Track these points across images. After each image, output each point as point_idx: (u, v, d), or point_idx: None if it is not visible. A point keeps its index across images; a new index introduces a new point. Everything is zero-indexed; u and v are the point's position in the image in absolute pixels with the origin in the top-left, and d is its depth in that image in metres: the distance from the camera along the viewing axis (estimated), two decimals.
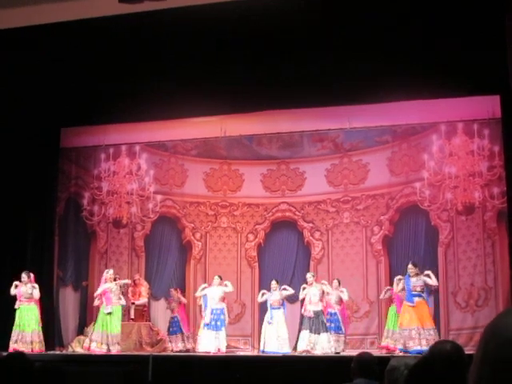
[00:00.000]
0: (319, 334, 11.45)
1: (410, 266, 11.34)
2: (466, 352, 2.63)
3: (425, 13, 9.27)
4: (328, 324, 11.76)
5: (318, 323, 11.53)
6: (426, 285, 11.14)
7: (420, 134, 13.35)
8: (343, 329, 12.01)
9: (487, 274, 12.38)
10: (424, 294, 11.14)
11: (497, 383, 1.05)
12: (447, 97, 10.71)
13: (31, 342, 11.08)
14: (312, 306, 11.63)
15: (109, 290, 11.81)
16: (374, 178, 14.12)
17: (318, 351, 11.31)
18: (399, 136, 13.67)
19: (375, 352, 11.83)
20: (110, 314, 11.64)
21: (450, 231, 13.02)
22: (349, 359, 4.90)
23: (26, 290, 11.27)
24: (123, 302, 12.15)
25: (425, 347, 10.56)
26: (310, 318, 11.56)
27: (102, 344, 11.46)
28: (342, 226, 14.38)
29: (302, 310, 11.84)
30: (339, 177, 14.46)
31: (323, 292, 11.86)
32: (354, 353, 6.92)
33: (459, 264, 12.85)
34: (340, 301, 12.11)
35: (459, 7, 9.12)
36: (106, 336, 11.52)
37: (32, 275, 11.37)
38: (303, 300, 11.87)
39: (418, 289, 11.10)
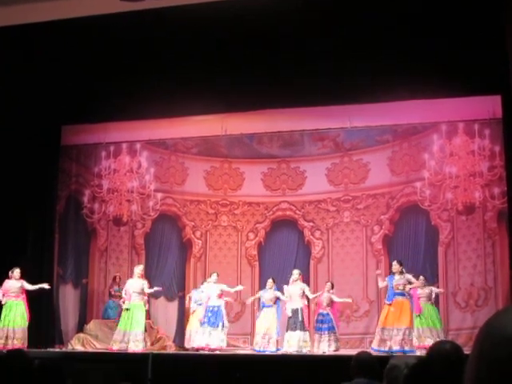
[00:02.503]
0: (294, 331, 11.48)
1: (394, 262, 11.28)
2: (466, 352, 2.63)
3: (425, 12, 9.26)
4: (321, 325, 11.79)
5: (296, 321, 11.55)
6: (409, 283, 11.11)
7: (421, 133, 13.34)
8: (336, 328, 12.02)
9: (487, 274, 12.38)
10: (407, 294, 11.06)
11: (494, 383, 1.05)
12: (448, 97, 10.71)
13: (17, 339, 10.98)
14: (291, 304, 11.65)
15: (129, 287, 11.73)
16: (375, 177, 14.12)
17: (286, 348, 11.34)
18: (400, 135, 13.67)
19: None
20: (127, 310, 11.54)
21: (450, 231, 13.02)
22: (348, 358, 4.90)
23: (13, 284, 11.20)
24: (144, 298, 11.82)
25: (396, 348, 10.50)
26: (288, 317, 11.59)
27: (121, 342, 11.36)
28: (343, 225, 14.38)
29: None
30: (340, 176, 14.46)
31: (303, 292, 11.86)
32: (353, 352, 6.92)
33: (459, 264, 12.85)
34: (331, 303, 12.11)
35: (460, 7, 9.11)
36: (126, 334, 11.43)
37: (18, 270, 11.27)
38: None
39: (401, 287, 11.02)
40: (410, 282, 11.04)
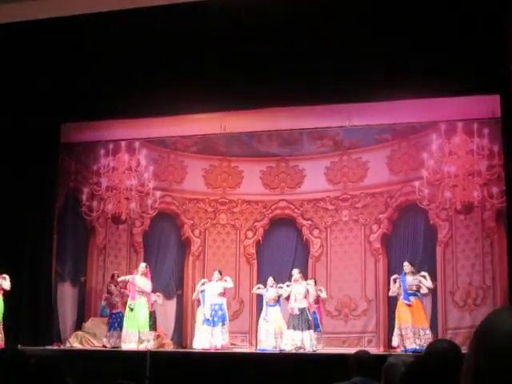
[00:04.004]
0: (303, 330, 11.49)
1: (406, 263, 11.37)
2: (464, 351, 2.63)
3: (425, 12, 9.26)
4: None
5: (302, 320, 11.56)
6: (421, 286, 11.19)
7: (420, 132, 13.35)
8: (320, 327, 12.09)
9: (485, 273, 12.39)
10: (419, 294, 11.20)
11: (495, 380, 1.07)
12: (447, 96, 10.72)
13: None
14: (297, 304, 11.64)
15: (134, 284, 11.71)
16: (374, 176, 14.12)
17: (291, 347, 11.36)
18: (399, 134, 13.67)
19: (373, 350, 11.86)
20: (132, 309, 11.55)
21: (448, 230, 13.03)
22: (347, 357, 4.91)
23: None
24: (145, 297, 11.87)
25: (419, 347, 10.59)
26: (295, 315, 11.56)
27: (130, 342, 11.36)
28: (341, 223, 14.38)
29: (288, 308, 11.83)
30: (338, 175, 14.47)
31: (307, 291, 11.88)
32: (351, 351, 6.93)
33: (457, 263, 12.86)
34: (317, 299, 12.19)
35: (459, 6, 9.11)
36: (134, 334, 11.42)
37: None
38: (288, 297, 11.88)
39: (414, 288, 11.13)
40: (422, 284, 11.15)
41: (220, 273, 12.34)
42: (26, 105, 11.24)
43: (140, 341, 11.37)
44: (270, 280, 12.20)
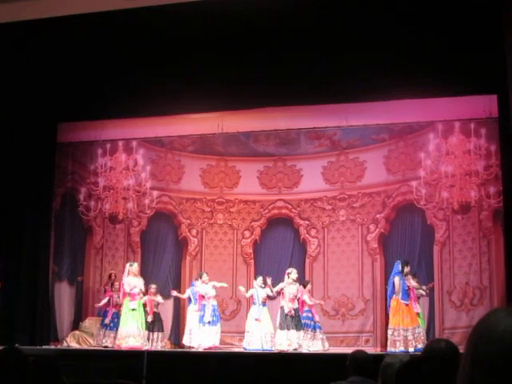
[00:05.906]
0: (299, 330, 11.54)
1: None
2: (461, 351, 2.63)
3: (422, 11, 9.27)
4: (309, 322, 11.92)
5: (297, 321, 11.61)
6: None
7: (417, 132, 13.36)
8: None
9: (482, 273, 12.41)
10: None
11: (493, 380, 1.08)
12: (444, 96, 10.73)
13: None
14: (290, 304, 11.68)
15: (133, 285, 11.77)
16: (371, 175, 14.13)
17: (284, 347, 11.39)
18: (396, 134, 13.68)
19: (370, 350, 11.87)
20: (134, 310, 11.59)
21: (445, 230, 13.04)
22: (344, 357, 4.91)
23: None
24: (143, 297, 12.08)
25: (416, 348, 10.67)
26: (289, 316, 11.57)
27: (128, 338, 11.39)
28: (338, 223, 14.39)
29: (284, 306, 11.84)
30: (336, 174, 14.47)
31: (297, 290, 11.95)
32: (348, 350, 6.93)
33: (454, 263, 12.87)
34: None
35: (457, 6, 9.12)
36: (136, 332, 11.46)
37: None
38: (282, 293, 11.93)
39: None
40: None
41: (206, 274, 12.59)
42: (23, 104, 11.23)
43: (137, 340, 11.40)
44: (260, 280, 12.26)
